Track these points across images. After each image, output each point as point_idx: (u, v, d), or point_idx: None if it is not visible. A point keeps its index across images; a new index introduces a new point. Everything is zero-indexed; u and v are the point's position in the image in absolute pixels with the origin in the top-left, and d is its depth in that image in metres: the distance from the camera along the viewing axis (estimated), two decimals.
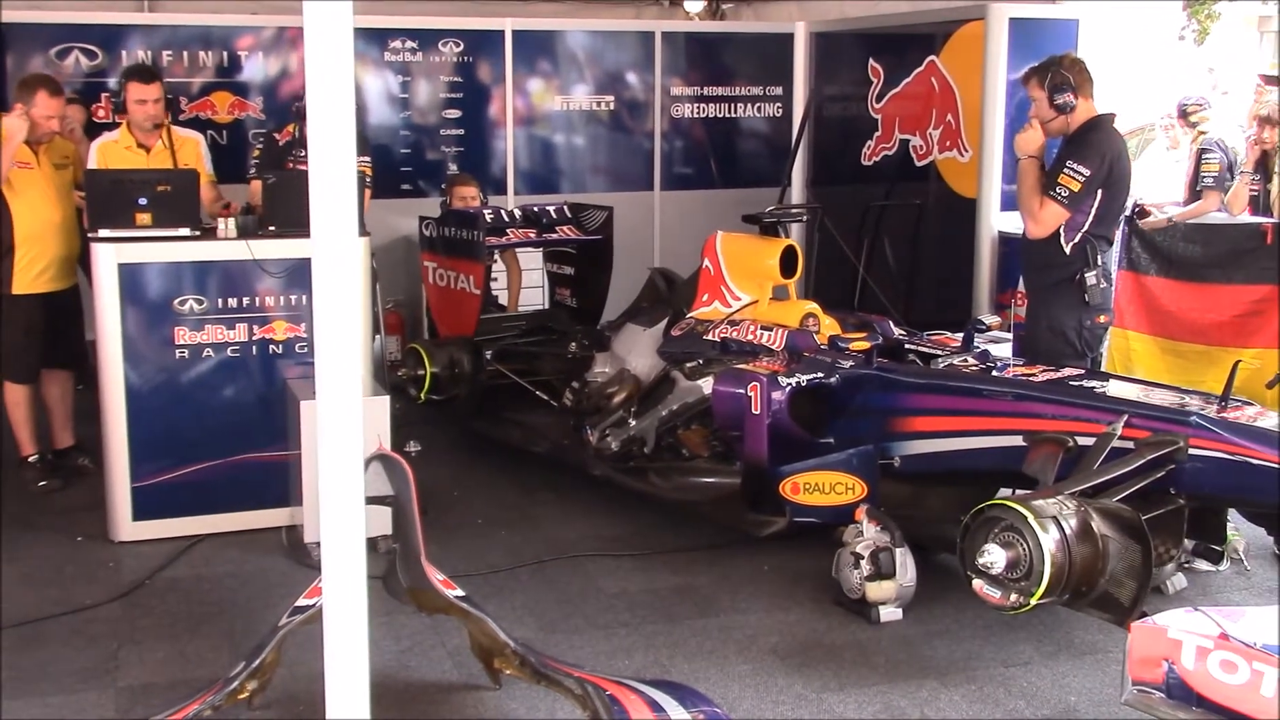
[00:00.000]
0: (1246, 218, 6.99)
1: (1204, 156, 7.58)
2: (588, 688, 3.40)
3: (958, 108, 7.64)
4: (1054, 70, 5.23)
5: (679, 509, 5.47)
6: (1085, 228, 5.16)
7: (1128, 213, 5.51)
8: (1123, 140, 5.27)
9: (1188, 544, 4.52)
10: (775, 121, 9.37)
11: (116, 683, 4.04)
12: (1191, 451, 4.02)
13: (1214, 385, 4.76)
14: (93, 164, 5.76)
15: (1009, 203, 6.91)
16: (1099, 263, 5.17)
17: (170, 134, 5.93)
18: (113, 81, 6.92)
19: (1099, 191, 5.13)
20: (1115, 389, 4.55)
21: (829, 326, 5.53)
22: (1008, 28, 6.95)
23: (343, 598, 2.57)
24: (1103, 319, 5.30)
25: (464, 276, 6.74)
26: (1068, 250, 5.20)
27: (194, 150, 6.03)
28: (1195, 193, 7.61)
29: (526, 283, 7.83)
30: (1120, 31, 9.30)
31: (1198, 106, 7.87)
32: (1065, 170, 5.12)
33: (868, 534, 4.53)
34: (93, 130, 6.87)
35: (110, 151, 5.82)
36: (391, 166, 8.36)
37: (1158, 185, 8.04)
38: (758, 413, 4.91)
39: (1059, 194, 5.12)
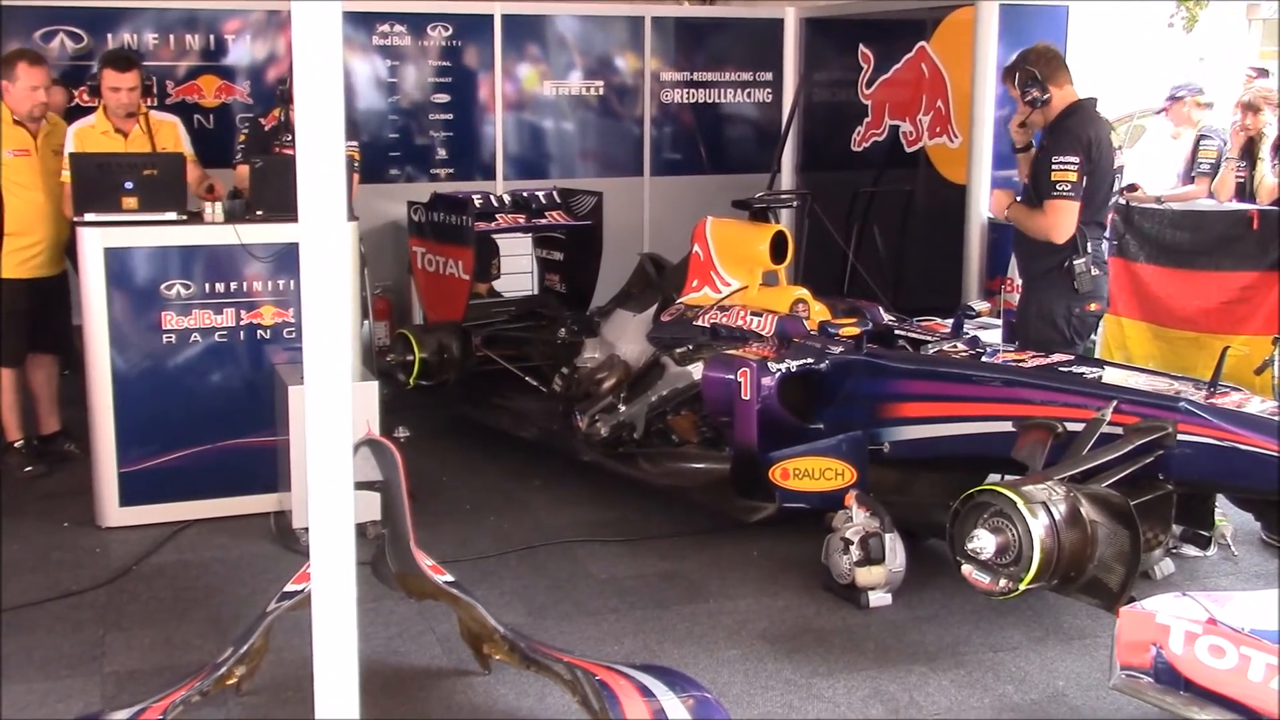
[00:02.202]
0: (1233, 204, 7.01)
1: (1202, 143, 7.60)
2: (577, 673, 3.39)
3: (948, 94, 7.63)
4: (1020, 67, 5.19)
5: (668, 495, 5.47)
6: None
7: (1117, 196, 5.46)
8: (1104, 124, 5.19)
9: (1176, 529, 4.54)
10: (765, 107, 9.35)
11: (103, 669, 4.03)
12: (1180, 437, 4.03)
13: (1204, 371, 4.77)
14: (70, 149, 5.70)
15: (999, 188, 6.90)
16: (1088, 250, 5.12)
17: (148, 119, 5.89)
18: (96, 65, 6.87)
19: (1086, 177, 5.06)
20: (1104, 374, 4.55)
21: (819, 312, 5.53)
22: (998, 13, 6.93)
23: (332, 584, 2.56)
24: (1093, 307, 5.22)
25: (453, 261, 6.72)
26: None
27: (172, 133, 5.99)
28: (1191, 178, 7.63)
29: (516, 268, 7.81)
30: (1110, 18, 9.31)
31: (1190, 93, 7.87)
32: (1055, 167, 5.04)
33: (857, 519, 4.53)
34: (76, 114, 6.80)
35: (87, 136, 5.77)
36: (380, 151, 8.32)
37: (1154, 172, 8.02)
38: (747, 398, 4.91)
39: (1063, 190, 5.02)
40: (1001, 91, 7.07)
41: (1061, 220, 5.06)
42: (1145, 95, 9.78)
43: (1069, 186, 5.01)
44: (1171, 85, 8.07)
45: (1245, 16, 14.63)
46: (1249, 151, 7.30)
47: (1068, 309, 5.18)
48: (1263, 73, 8.57)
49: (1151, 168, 8.13)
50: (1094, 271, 5.15)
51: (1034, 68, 5.14)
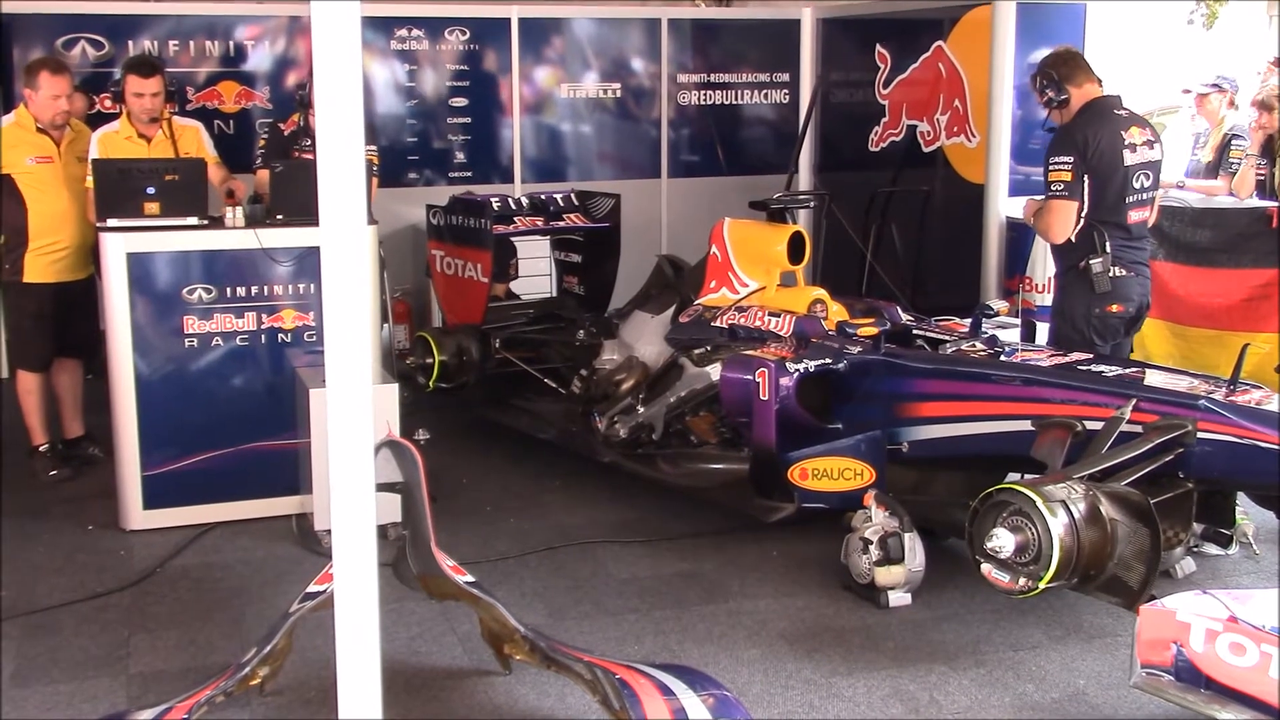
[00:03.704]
0: (1253, 201, 6.98)
1: (1234, 142, 7.57)
2: (597, 672, 3.41)
3: (965, 93, 7.62)
4: (1041, 71, 5.30)
5: (687, 495, 5.48)
6: (1084, 214, 5.11)
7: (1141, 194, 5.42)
8: (1113, 121, 5.13)
9: (1196, 528, 4.52)
10: (782, 108, 9.35)
11: (128, 670, 4.07)
12: (1200, 435, 4.02)
13: (1224, 369, 4.75)
14: (94, 155, 5.76)
15: (1017, 188, 6.89)
16: (1106, 250, 5.09)
17: (170, 124, 5.94)
18: (118, 72, 6.94)
19: (1085, 176, 5.07)
20: (1123, 373, 4.54)
21: (837, 312, 5.53)
22: (1015, 12, 6.93)
23: (354, 584, 2.58)
24: (1115, 308, 5.16)
25: (471, 264, 6.74)
26: (1073, 238, 5.17)
27: (195, 138, 6.04)
28: (1215, 175, 7.60)
29: (534, 271, 7.84)
30: (1129, 16, 9.28)
31: (1218, 89, 7.80)
32: (1050, 168, 5.13)
33: (876, 519, 4.53)
34: (97, 121, 6.86)
35: (111, 142, 5.82)
36: (398, 155, 8.36)
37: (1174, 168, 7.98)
38: (766, 399, 4.91)
39: (1057, 190, 5.10)
40: (1019, 91, 7.09)
41: (1056, 220, 5.12)
42: (1166, 93, 9.75)
43: (1063, 186, 5.07)
44: (1219, 76, 8.00)
45: (1266, 13, 14.55)
46: (1268, 149, 7.28)
47: (1087, 309, 5.17)
48: None
49: (1174, 164, 8.09)
50: (1116, 272, 5.11)
51: (1052, 70, 5.22)
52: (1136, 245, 5.22)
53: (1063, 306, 5.31)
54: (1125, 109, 5.25)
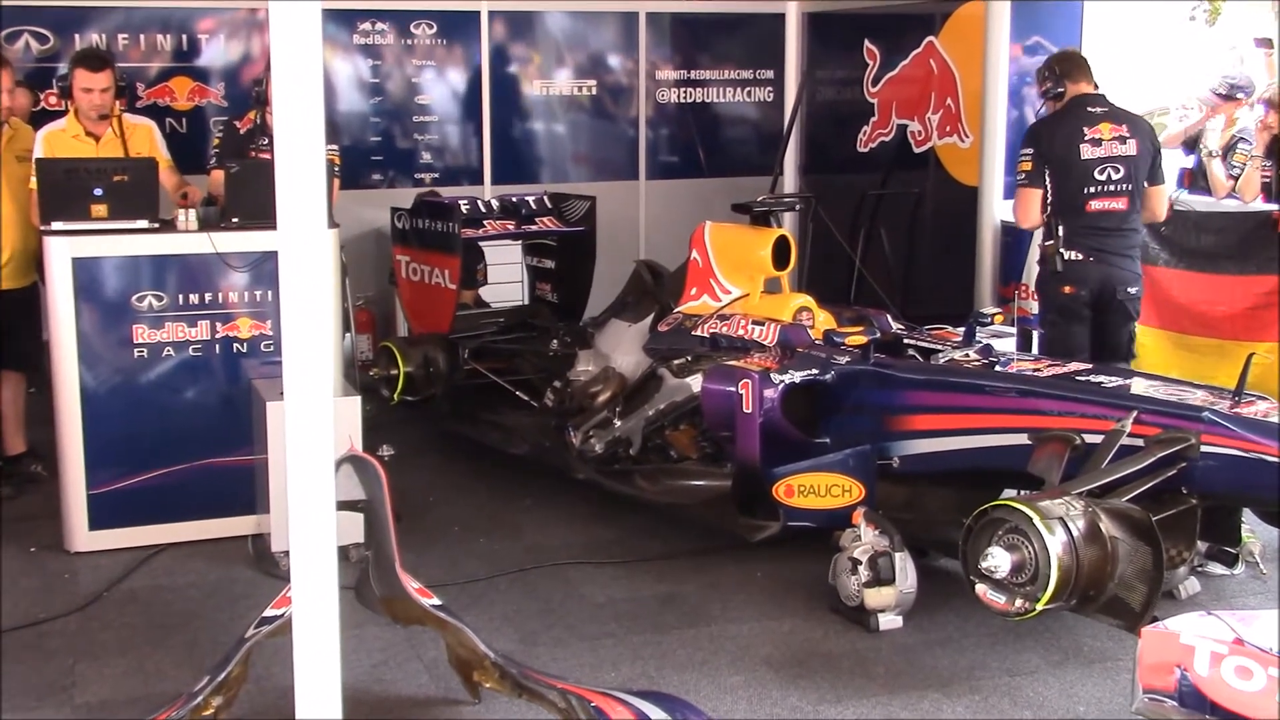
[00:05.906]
0: (1258, 205, 7.03)
1: (1239, 145, 7.63)
2: (571, 700, 3.41)
3: (958, 91, 7.66)
4: (1046, 64, 5.91)
5: (667, 513, 5.49)
6: (1050, 202, 5.63)
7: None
8: (1083, 116, 5.57)
9: (1201, 546, 4.55)
10: (766, 106, 9.38)
11: (74, 699, 4.04)
12: (1204, 449, 4.05)
13: (1227, 380, 4.78)
14: (39, 154, 5.72)
15: (1012, 191, 6.93)
16: (1058, 234, 5.57)
17: (120, 122, 5.90)
18: (64, 66, 6.90)
19: (1046, 167, 5.61)
20: (1124, 384, 4.57)
21: (824, 321, 5.56)
22: (1009, 7, 6.97)
23: (313, 608, 2.57)
24: (1067, 289, 5.61)
25: (439, 270, 6.73)
26: (1041, 226, 5.78)
27: (146, 136, 6.00)
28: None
29: (505, 277, 7.84)
30: (1127, 11, 9.35)
31: (1245, 93, 7.86)
32: (1018, 159, 5.76)
33: (866, 538, 4.54)
34: (42, 118, 6.82)
35: (57, 141, 5.78)
36: (361, 155, 8.35)
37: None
38: (749, 412, 4.92)
39: (1019, 179, 5.72)
40: (1014, 89, 7.13)
41: (1019, 206, 5.76)
42: (1165, 92, 9.83)
43: (1024, 175, 5.69)
44: (1226, 79, 8.03)
45: (1272, 12, 14.68)
46: (1274, 150, 7.33)
47: (1046, 288, 5.77)
48: (1265, 42, 8.63)
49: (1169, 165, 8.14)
50: (1072, 255, 5.58)
51: (1056, 65, 5.81)
52: (1099, 232, 5.62)
53: (1038, 285, 5.94)
54: (1104, 106, 5.69)
